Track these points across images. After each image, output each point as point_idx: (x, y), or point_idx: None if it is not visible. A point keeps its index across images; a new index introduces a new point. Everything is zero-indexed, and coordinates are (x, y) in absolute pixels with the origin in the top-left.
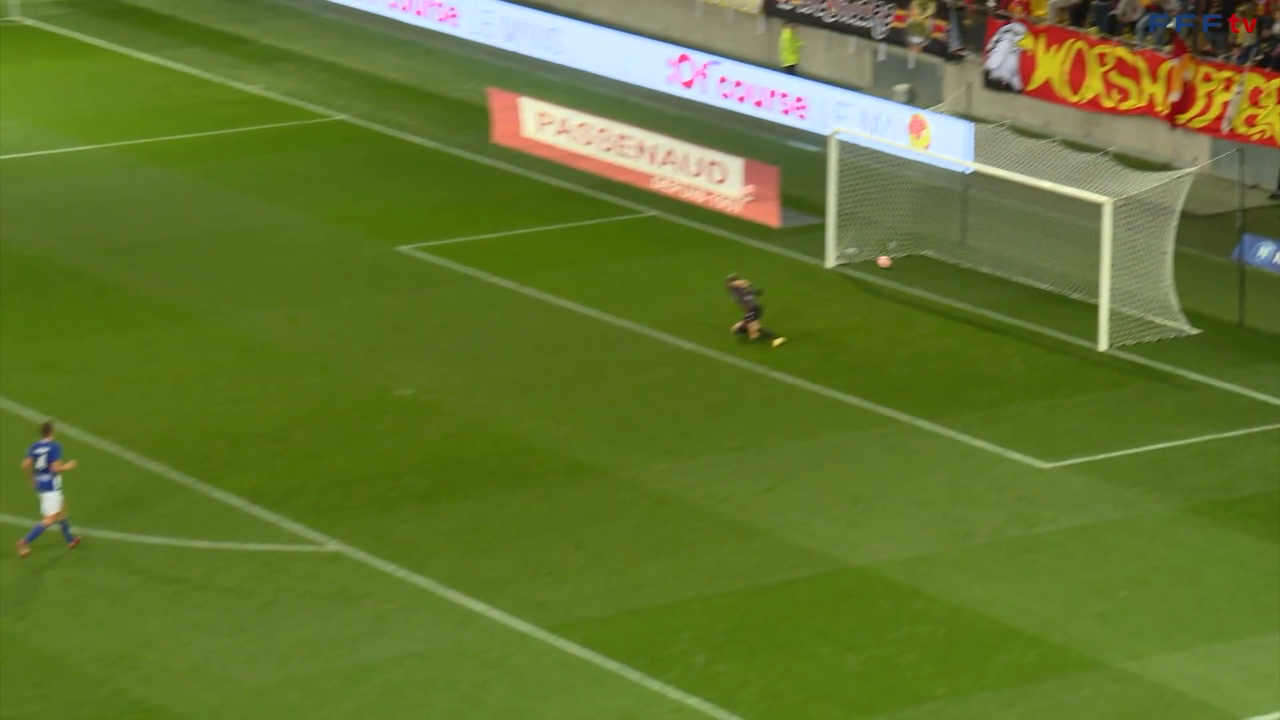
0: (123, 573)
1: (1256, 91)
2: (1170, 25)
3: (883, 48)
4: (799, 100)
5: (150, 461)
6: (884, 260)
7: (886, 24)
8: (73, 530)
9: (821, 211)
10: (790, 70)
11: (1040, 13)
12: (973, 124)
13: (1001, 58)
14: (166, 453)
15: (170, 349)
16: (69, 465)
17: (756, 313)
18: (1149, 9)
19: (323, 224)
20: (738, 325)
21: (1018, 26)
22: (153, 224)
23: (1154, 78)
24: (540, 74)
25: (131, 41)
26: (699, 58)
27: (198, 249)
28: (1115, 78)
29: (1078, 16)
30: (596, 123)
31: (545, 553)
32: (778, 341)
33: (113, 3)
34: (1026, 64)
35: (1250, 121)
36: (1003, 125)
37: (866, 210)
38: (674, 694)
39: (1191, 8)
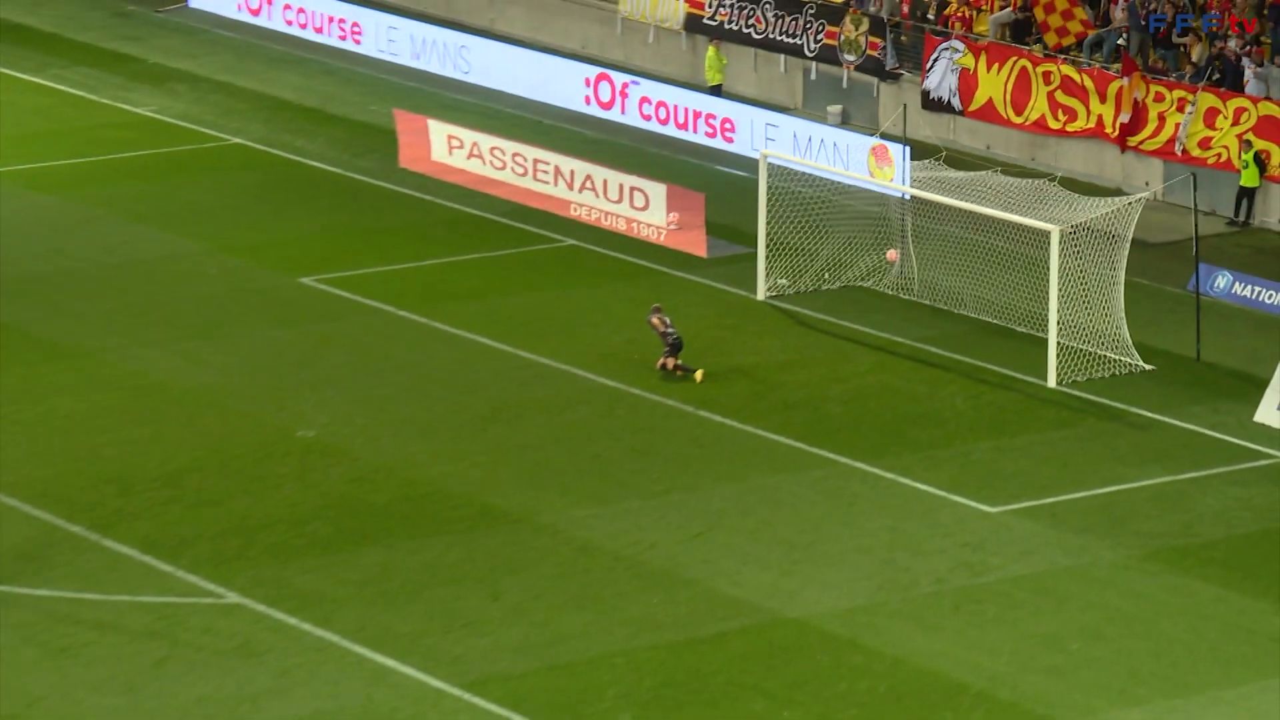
0: (5, 628)
1: (1212, 112)
2: (1121, 41)
3: (814, 66)
4: (726, 122)
5: (35, 509)
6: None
7: (818, 41)
8: None
9: (751, 240)
10: (716, 90)
11: (981, 29)
12: (908, 147)
13: (940, 77)
14: (52, 499)
15: (55, 388)
16: None
17: (674, 348)
18: (1102, 27)
19: (218, 254)
20: (660, 361)
21: (957, 44)
22: (37, 255)
23: (1102, 98)
24: (450, 94)
25: (11, 61)
26: (619, 77)
27: (85, 281)
28: (1061, 98)
29: (1020, 33)
30: (510, 146)
31: (459, 604)
32: (698, 375)
33: None
34: (967, 83)
35: (1205, 144)
36: (938, 159)
37: (799, 239)
38: None
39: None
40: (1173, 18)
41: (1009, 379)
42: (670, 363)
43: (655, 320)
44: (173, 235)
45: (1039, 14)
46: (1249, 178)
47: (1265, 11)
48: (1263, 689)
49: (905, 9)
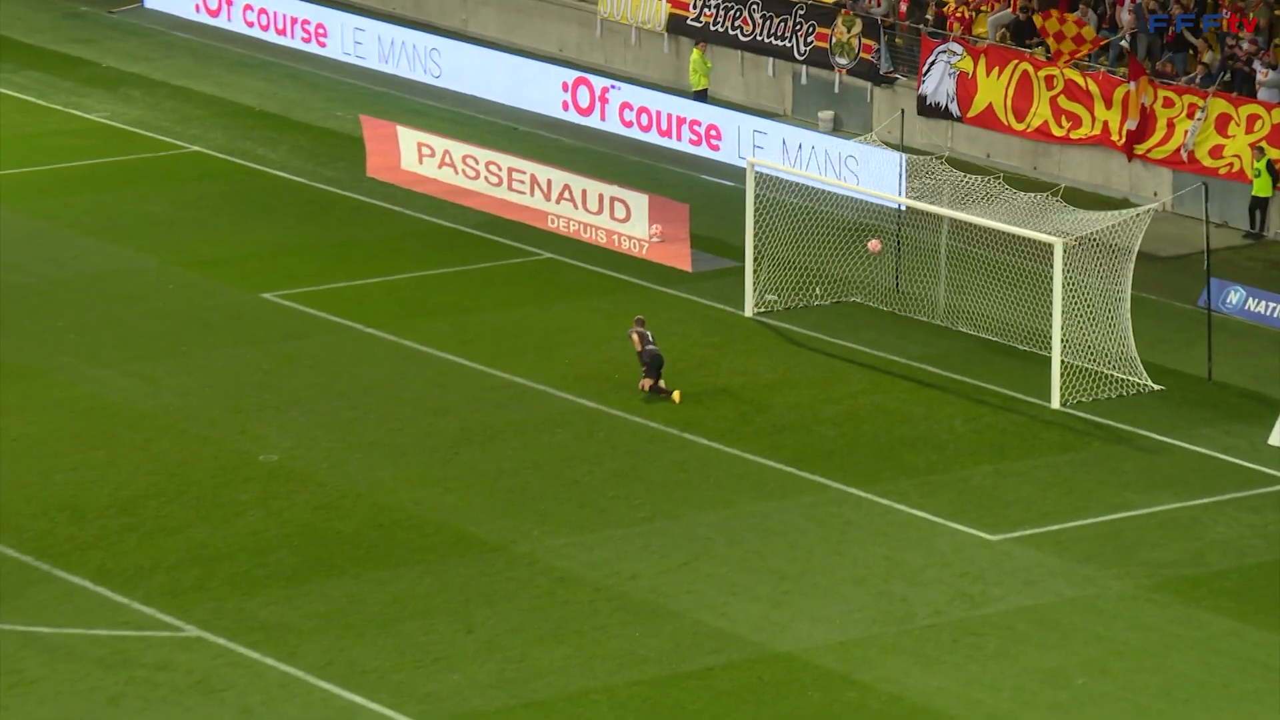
0: None
1: (1224, 119)
2: (1124, 43)
3: (804, 70)
4: (711, 128)
5: None
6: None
7: (808, 43)
8: None
9: (738, 254)
10: (701, 95)
11: (980, 31)
12: (904, 155)
13: (937, 81)
14: (1, 528)
15: (3, 410)
16: None
17: (651, 366)
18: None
19: (177, 269)
20: (641, 382)
21: (955, 46)
22: None
23: (1108, 103)
24: (420, 100)
25: None
26: (598, 81)
27: (35, 297)
28: (1065, 103)
29: (1022, 35)
30: (484, 154)
31: (431, 638)
32: (676, 395)
33: None
34: (965, 88)
35: (1216, 153)
36: (939, 157)
37: (788, 252)
38: None
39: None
40: (1174, 19)
41: (1010, 400)
42: (646, 384)
43: (635, 336)
44: (127, 249)
45: (1051, 44)
46: (1261, 187)
47: (1277, 12)
48: None
49: (903, 8)
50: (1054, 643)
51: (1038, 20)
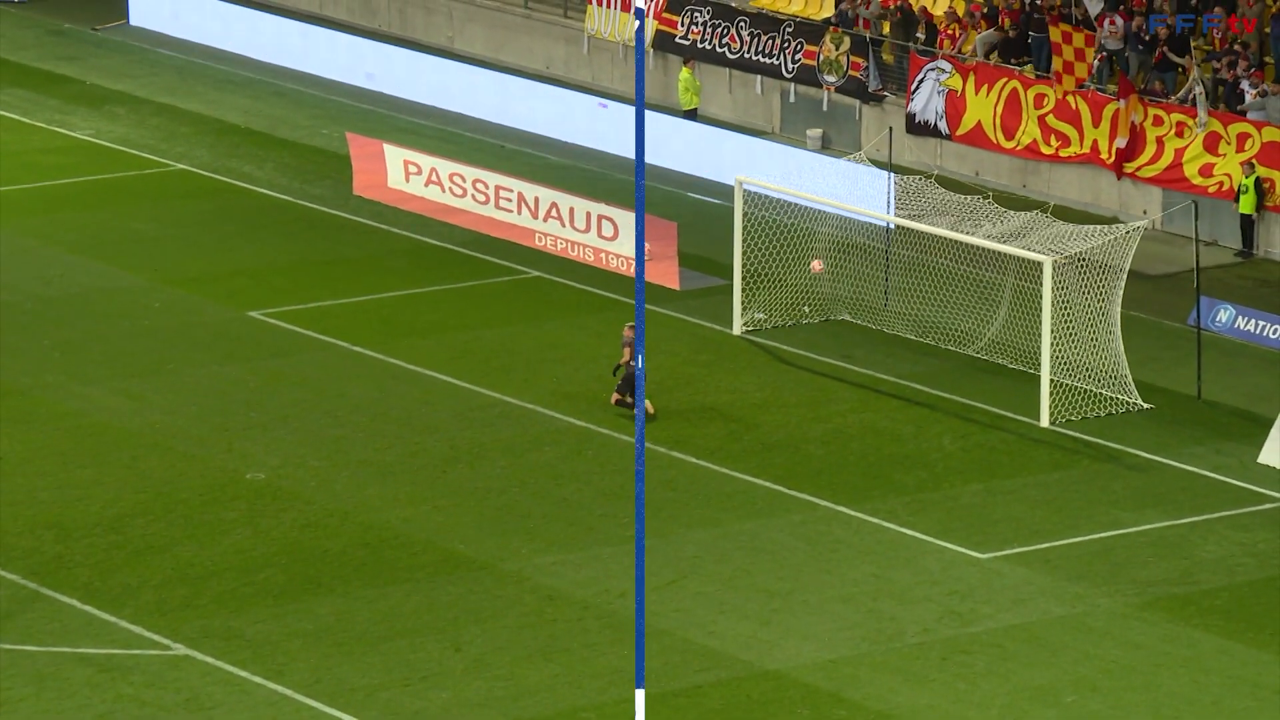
0: None
1: (1213, 137)
2: (1094, 62)
3: (793, 88)
4: (699, 146)
5: None
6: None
7: (796, 61)
8: None
9: (726, 272)
10: (691, 115)
11: (969, 49)
12: (893, 173)
13: (926, 99)
14: None
15: None
16: None
17: (626, 382)
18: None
19: (162, 287)
20: (616, 397)
21: (944, 64)
22: None
23: (1097, 122)
24: (406, 118)
25: None
26: (585, 99)
27: (20, 315)
28: (1054, 122)
29: (1010, 53)
30: (471, 172)
31: (419, 656)
32: (649, 407)
33: None
34: (954, 106)
35: (1206, 171)
36: (928, 177)
37: (777, 270)
38: None
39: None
40: (1174, 19)
41: (999, 418)
42: (614, 398)
43: (626, 351)
44: (113, 266)
45: (1063, 82)
46: (1246, 204)
47: (1267, 30)
48: None
49: (901, 12)
50: (1043, 661)
51: (1055, 32)
